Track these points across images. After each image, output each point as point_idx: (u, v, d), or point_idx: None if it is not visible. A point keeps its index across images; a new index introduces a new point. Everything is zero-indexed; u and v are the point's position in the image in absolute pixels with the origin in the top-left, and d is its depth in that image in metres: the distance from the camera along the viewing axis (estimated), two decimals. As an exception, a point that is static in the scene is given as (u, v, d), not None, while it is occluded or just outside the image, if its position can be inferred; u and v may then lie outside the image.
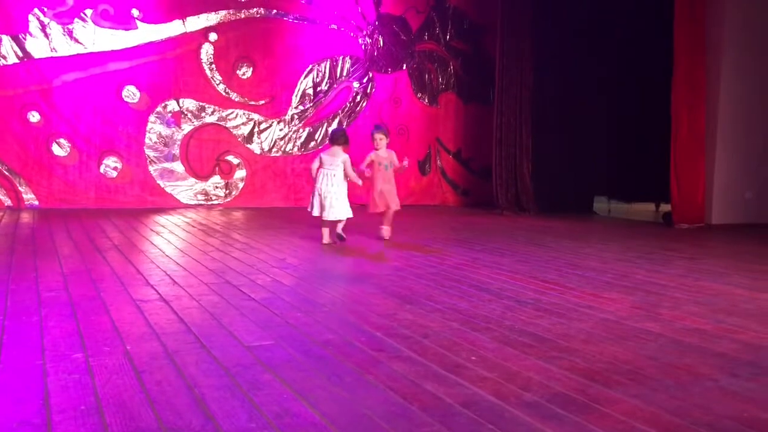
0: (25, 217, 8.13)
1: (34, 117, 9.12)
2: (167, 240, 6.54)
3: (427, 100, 11.53)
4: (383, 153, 6.84)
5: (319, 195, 6.40)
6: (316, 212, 6.45)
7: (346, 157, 6.46)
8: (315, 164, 6.54)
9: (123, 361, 2.79)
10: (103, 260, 5.24)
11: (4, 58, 8.96)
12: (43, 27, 9.10)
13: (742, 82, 8.97)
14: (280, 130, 10.59)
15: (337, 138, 6.61)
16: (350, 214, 6.48)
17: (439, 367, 2.80)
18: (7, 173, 9.05)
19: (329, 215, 6.34)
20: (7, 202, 9.07)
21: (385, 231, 6.87)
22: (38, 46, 9.09)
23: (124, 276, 4.61)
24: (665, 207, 9.81)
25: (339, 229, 6.45)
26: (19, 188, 9.11)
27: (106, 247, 5.94)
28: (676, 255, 6.31)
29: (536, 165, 10.39)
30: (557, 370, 2.81)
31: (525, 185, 10.34)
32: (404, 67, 11.30)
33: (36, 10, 9.05)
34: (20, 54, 9.02)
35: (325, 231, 6.51)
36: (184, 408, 2.31)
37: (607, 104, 10.34)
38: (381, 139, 6.86)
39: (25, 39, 9.02)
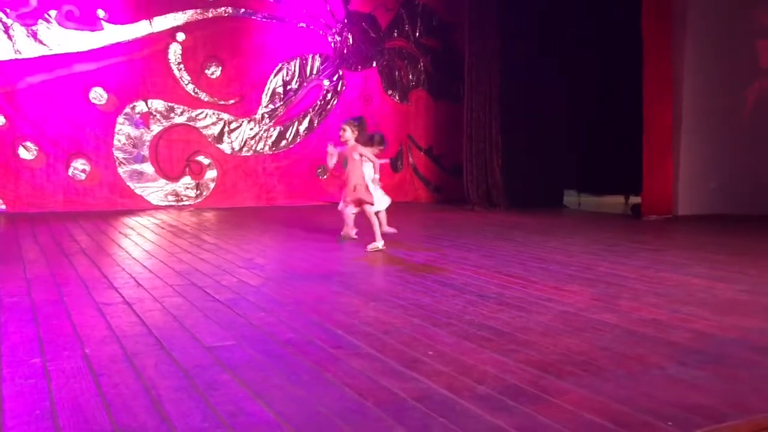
0: (-8, 222, 8.04)
1: (-1, 120, 9.02)
2: (135, 242, 6.52)
3: (397, 97, 11.58)
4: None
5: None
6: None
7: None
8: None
9: (81, 365, 2.79)
10: (68, 264, 5.22)
11: (-33, 60, 8.84)
12: (6, 29, 8.98)
13: (706, 75, 9.12)
14: (251, 129, 10.57)
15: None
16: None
17: (397, 363, 2.85)
18: (-28, 178, 8.94)
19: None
20: (-27, 206, 8.96)
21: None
22: (1, 48, 8.98)
23: (88, 279, 4.60)
24: (635, 199, 9.95)
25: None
26: (-14, 193, 9.01)
27: (72, 251, 5.90)
28: (640, 247, 6.42)
29: (506, 160, 10.47)
30: (512, 362, 2.87)
31: (495, 181, 10.42)
32: (374, 65, 11.33)
33: (-2, 12, 8.94)
34: (-17, 56, 8.91)
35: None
36: (140, 410, 2.33)
37: (576, 99, 10.45)
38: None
39: (-13, 41, 8.90)
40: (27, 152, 9.19)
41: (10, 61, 9.04)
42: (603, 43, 10.09)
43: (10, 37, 9.01)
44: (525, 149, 10.49)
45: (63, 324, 3.45)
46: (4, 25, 8.97)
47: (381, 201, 6.48)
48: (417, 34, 11.60)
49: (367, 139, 6.50)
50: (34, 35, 9.13)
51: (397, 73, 11.52)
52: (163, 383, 2.59)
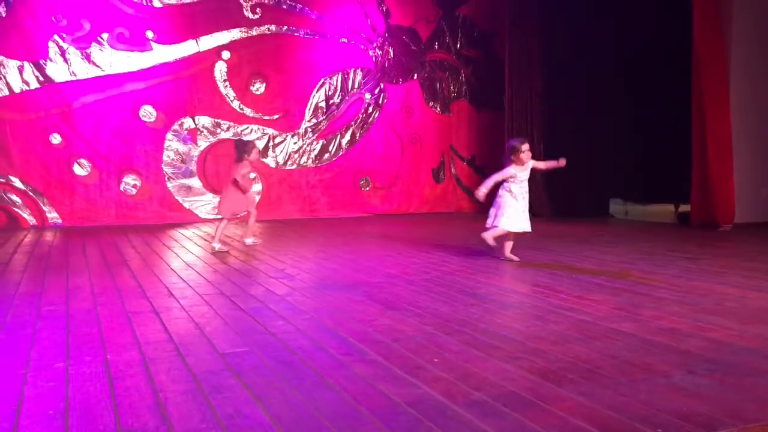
0: (48, 236, 8.44)
1: (55, 139, 9.48)
2: (176, 254, 6.75)
3: (439, 109, 11.64)
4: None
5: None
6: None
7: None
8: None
9: (100, 370, 2.94)
10: (108, 275, 5.45)
11: (27, 83, 9.34)
12: (63, 52, 9.46)
13: (759, 80, 8.88)
14: (294, 143, 10.79)
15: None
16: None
17: (399, 369, 2.90)
18: (31, 194, 9.41)
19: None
20: (32, 221, 9.42)
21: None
22: (58, 71, 9.46)
23: (123, 289, 4.80)
24: (685, 208, 9.71)
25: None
26: (43, 207, 9.47)
27: (115, 262, 6.16)
28: (678, 255, 6.29)
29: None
30: (515, 370, 2.88)
31: (538, 190, 10.33)
32: (415, 77, 11.44)
33: (55, 36, 9.42)
34: (41, 79, 9.40)
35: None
36: (144, 411, 2.45)
37: (622, 106, 10.29)
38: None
39: (45, 65, 9.39)
40: (81, 169, 9.63)
41: (66, 82, 9.51)
42: (651, 49, 9.93)
43: (66, 60, 9.49)
44: (569, 158, 10.30)
45: (91, 331, 3.62)
46: (61, 49, 9.44)
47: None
48: (458, 45, 11.66)
49: None
50: (88, 57, 9.58)
51: (438, 84, 11.59)
52: (171, 387, 2.71)
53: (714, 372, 2.83)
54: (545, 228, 9.03)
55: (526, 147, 6.10)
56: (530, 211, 10.12)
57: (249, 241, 7.36)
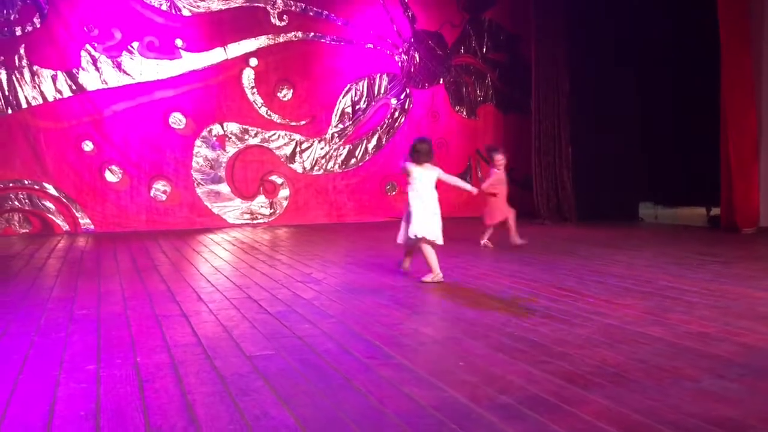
0: (80, 241, 8.60)
1: (87, 146, 9.66)
2: (205, 259, 6.83)
3: (465, 113, 11.62)
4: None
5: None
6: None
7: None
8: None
9: (130, 372, 3.00)
10: (138, 279, 5.54)
11: (60, 92, 9.53)
12: (94, 61, 9.64)
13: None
14: (321, 148, 10.86)
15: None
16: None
17: (425, 373, 2.90)
18: (64, 200, 9.60)
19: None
20: (65, 227, 9.61)
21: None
22: (90, 80, 9.64)
23: (153, 294, 4.88)
24: (716, 211, 9.55)
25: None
26: (76, 214, 9.65)
27: (145, 267, 6.26)
28: (710, 259, 6.19)
29: (577, 173, 10.31)
30: (540, 373, 2.87)
31: (566, 194, 10.28)
32: (441, 82, 11.43)
33: (87, 46, 9.60)
34: (74, 88, 9.58)
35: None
36: (173, 412, 2.49)
37: (651, 109, 10.17)
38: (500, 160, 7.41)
39: (77, 73, 9.58)
40: (112, 175, 9.80)
41: (98, 91, 9.68)
42: (679, 51, 9.81)
43: (97, 69, 9.67)
44: (597, 161, 10.28)
45: (122, 334, 3.69)
46: (93, 57, 9.63)
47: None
48: (484, 49, 11.63)
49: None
50: (119, 66, 9.75)
51: (464, 89, 11.57)
52: (199, 389, 2.75)
53: (744, 376, 2.79)
54: (573, 232, 8.97)
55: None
56: (559, 214, 10.22)
57: (517, 241, 7.38)
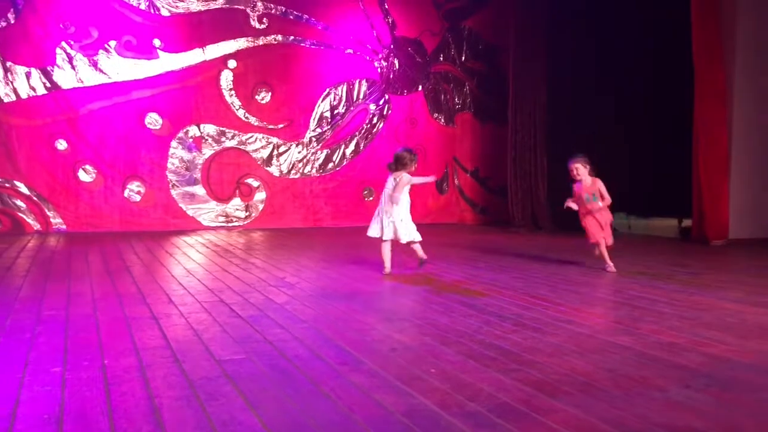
0: (51, 241, 8.48)
1: (61, 145, 9.53)
2: (178, 261, 6.77)
3: (443, 120, 11.67)
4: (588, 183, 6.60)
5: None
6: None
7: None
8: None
9: (96, 375, 2.95)
10: (110, 281, 5.47)
11: (34, 89, 9.41)
12: (70, 59, 9.53)
13: (758, 92, 8.89)
14: (299, 152, 10.83)
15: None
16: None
17: (395, 379, 2.90)
18: (36, 199, 9.46)
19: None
20: (36, 226, 9.47)
21: None
22: (65, 78, 9.53)
23: (124, 295, 4.82)
24: (688, 222, 9.68)
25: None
26: (48, 213, 9.51)
27: (117, 268, 6.18)
28: (680, 270, 6.28)
29: (552, 182, 10.39)
30: (510, 381, 2.88)
31: (540, 203, 10.36)
32: (420, 89, 11.48)
33: (63, 44, 9.49)
34: (48, 85, 9.46)
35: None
36: (139, 417, 2.46)
37: (626, 121, 10.29)
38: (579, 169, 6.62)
39: (53, 71, 9.46)
40: (86, 175, 9.68)
41: (73, 89, 9.57)
42: (654, 64, 9.94)
43: (73, 67, 9.55)
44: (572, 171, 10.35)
45: (90, 336, 3.64)
46: (68, 55, 9.51)
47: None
48: (463, 57, 11.70)
49: None
50: (95, 65, 9.64)
51: (442, 96, 11.63)
52: (167, 393, 2.72)
53: (710, 387, 2.83)
54: (547, 241, 9.04)
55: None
56: (534, 223, 10.29)
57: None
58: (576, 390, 2.77)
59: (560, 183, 10.37)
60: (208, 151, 10.33)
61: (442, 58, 11.58)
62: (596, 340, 3.62)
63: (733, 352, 3.39)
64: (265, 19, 10.49)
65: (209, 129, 10.30)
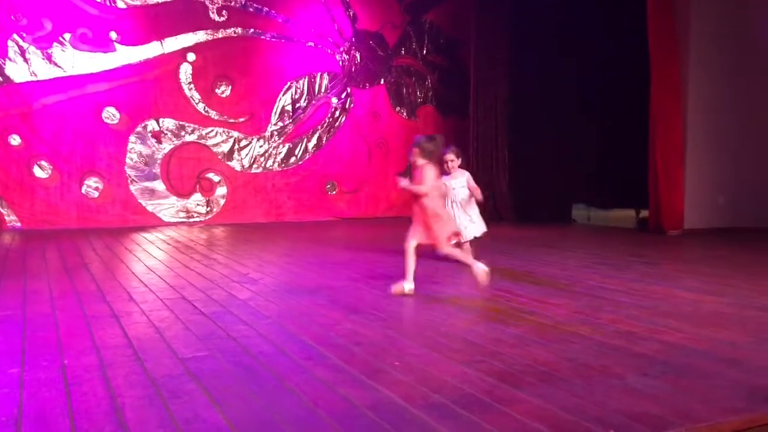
0: (6, 239, 8.27)
1: (14, 140, 9.29)
2: (138, 258, 6.66)
3: (405, 114, 11.70)
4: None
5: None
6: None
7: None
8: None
9: (56, 375, 2.90)
10: (68, 279, 5.37)
11: (-15, 83, 9.15)
12: (23, 52, 9.28)
13: (712, 86, 9.12)
14: (260, 146, 10.75)
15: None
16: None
17: (360, 373, 2.91)
18: (-11, 196, 9.21)
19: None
20: (-10, 224, 9.22)
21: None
22: (18, 71, 9.28)
23: (83, 293, 4.73)
24: (645, 213, 9.90)
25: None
26: (1, 210, 9.27)
27: (75, 266, 6.06)
28: (637, 260, 6.42)
29: (514, 175, 10.52)
30: (474, 372, 2.91)
31: (502, 195, 10.47)
32: (382, 82, 11.49)
33: (15, 36, 9.24)
34: (0, 79, 9.20)
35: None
36: (101, 417, 2.42)
37: (585, 113, 10.45)
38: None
39: (4, 64, 9.20)
40: (42, 171, 9.45)
41: (26, 83, 9.33)
42: (613, 57, 10.10)
43: (26, 60, 9.31)
44: (533, 163, 10.52)
45: (49, 335, 3.57)
46: (21, 48, 9.27)
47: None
48: (424, 51, 11.74)
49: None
50: (49, 57, 9.41)
51: (404, 90, 11.66)
52: (129, 392, 2.68)
53: (666, 374, 2.90)
54: (509, 232, 9.14)
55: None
56: (496, 214, 10.40)
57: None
58: (538, 380, 2.82)
59: (523, 175, 10.56)
60: (167, 146, 10.17)
61: (403, 52, 11.61)
62: (557, 330, 3.69)
63: (688, 339, 3.49)
64: (224, 11, 10.36)
65: (168, 123, 10.15)
